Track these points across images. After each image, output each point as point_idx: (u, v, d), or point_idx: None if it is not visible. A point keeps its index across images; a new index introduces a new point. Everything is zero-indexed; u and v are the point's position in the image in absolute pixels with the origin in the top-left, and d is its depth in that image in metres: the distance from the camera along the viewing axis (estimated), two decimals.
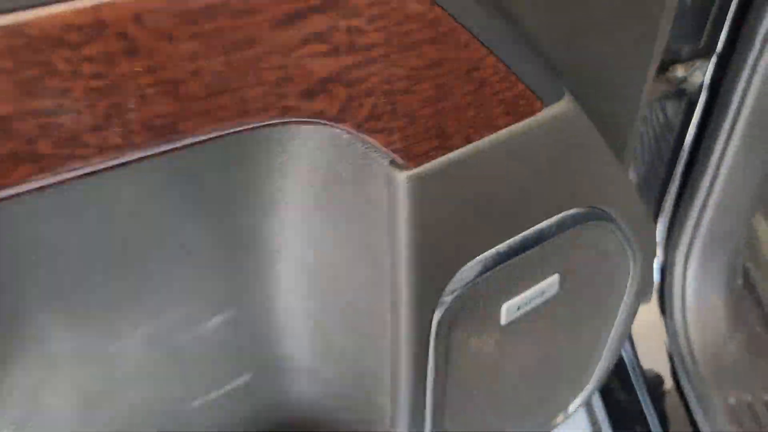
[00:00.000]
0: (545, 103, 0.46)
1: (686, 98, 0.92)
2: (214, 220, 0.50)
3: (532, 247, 0.54)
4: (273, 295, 0.59)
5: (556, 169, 0.50)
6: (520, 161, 0.47)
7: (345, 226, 0.50)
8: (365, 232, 0.48)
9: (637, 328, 1.06)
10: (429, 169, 0.42)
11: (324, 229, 0.52)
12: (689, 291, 1.01)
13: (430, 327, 0.52)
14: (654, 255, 0.68)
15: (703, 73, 0.88)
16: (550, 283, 0.59)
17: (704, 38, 0.87)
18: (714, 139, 0.90)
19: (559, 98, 0.47)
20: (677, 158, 0.95)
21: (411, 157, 0.41)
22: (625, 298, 0.70)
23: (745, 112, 0.85)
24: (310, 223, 0.52)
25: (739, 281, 1.05)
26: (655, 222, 1.02)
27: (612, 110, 0.68)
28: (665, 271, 1.03)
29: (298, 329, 0.62)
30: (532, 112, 0.46)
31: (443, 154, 0.43)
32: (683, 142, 0.94)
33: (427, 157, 0.42)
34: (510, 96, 0.44)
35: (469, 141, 0.44)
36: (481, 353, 0.59)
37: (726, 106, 0.87)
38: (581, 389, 0.80)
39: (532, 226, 0.53)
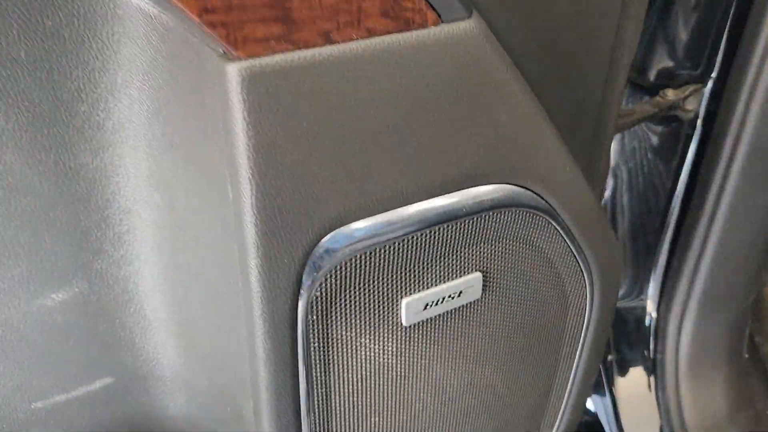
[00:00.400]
0: (443, 18, 0.37)
1: (682, 132, 0.81)
2: (30, 146, 0.40)
3: (436, 224, 0.43)
4: (129, 273, 0.49)
5: (460, 113, 0.40)
6: (407, 87, 0.37)
7: (190, 156, 0.40)
8: (210, 165, 0.38)
9: (624, 401, 0.91)
10: (271, 65, 0.33)
11: (173, 170, 0.42)
12: (683, 360, 0.86)
13: (295, 313, 0.41)
14: (618, 274, 0.55)
15: (699, 101, 0.78)
16: (470, 282, 0.47)
17: (702, 64, 0.77)
18: (710, 179, 0.78)
19: (464, 17, 0.37)
20: (671, 201, 0.84)
21: (242, 41, 0.32)
22: (584, 328, 0.57)
23: (743, 146, 0.75)
24: (157, 163, 0.42)
25: (745, 354, 0.90)
26: (648, 278, 0.89)
27: (576, 109, 0.59)
28: (657, 335, 0.88)
29: (160, 319, 0.51)
30: (423, 24, 0.36)
31: (291, 50, 0.33)
32: (677, 183, 0.83)
33: (266, 46, 0.32)
34: None
35: (329, 40, 0.34)
36: (380, 361, 0.47)
37: (722, 139, 0.76)
38: None
39: (435, 195, 0.42)
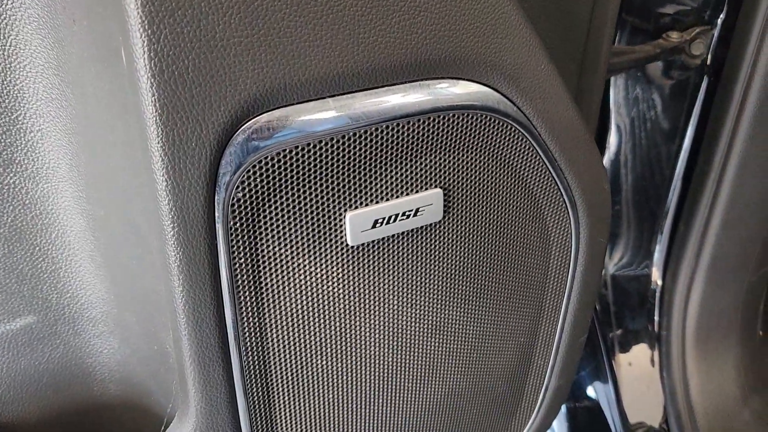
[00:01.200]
0: None
1: (689, 81, 0.74)
2: None
3: (383, 121, 0.36)
4: (47, 192, 0.43)
5: None
6: None
7: (91, 32, 0.34)
8: (108, 36, 0.33)
9: (626, 382, 0.83)
10: None
11: (78, 54, 0.36)
12: (690, 335, 0.79)
13: (212, 215, 0.35)
14: (608, 209, 0.49)
15: (707, 47, 0.71)
16: (428, 199, 0.41)
17: (709, 4, 0.71)
18: (718, 131, 0.72)
19: None
20: (677, 158, 0.77)
21: None
22: (571, 271, 0.51)
23: (754, 93, 0.68)
24: (63, 48, 0.37)
25: (759, 331, 0.82)
26: (653, 244, 0.82)
27: (561, 28, 0.53)
28: (663, 307, 0.81)
29: (85, 249, 0.45)
30: None
31: None
32: (684, 138, 0.76)
33: None
34: None
35: None
36: (324, 289, 0.41)
37: (731, 87, 0.69)
38: (521, 414, 0.58)
39: (380, 83, 0.36)
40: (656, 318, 0.81)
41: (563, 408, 0.90)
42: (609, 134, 0.79)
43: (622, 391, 0.83)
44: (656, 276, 0.80)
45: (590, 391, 0.88)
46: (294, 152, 0.35)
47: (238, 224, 0.36)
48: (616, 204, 0.81)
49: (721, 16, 0.70)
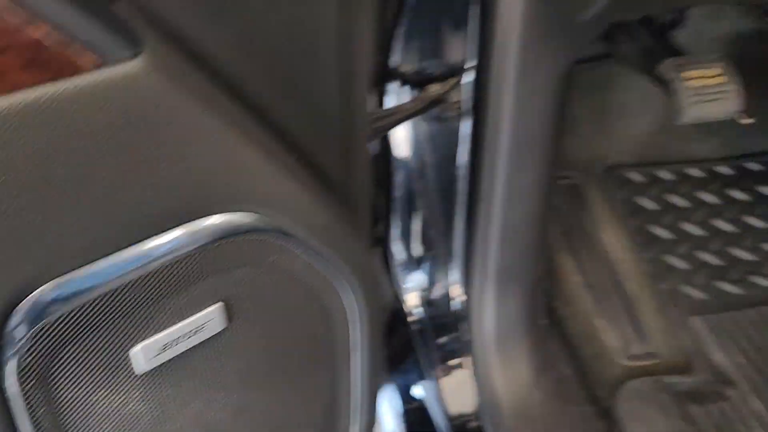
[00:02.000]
0: (105, 60, 0.36)
1: (457, 124, 0.85)
2: None
3: (155, 268, 0.41)
4: None
5: (142, 155, 0.38)
6: (66, 140, 0.35)
7: None
8: None
9: (446, 384, 0.95)
10: None
11: None
12: (490, 336, 0.91)
13: (3, 389, 0.38)
14: (375, 279, 0.57)
15: (462, 94, 0.82)
16: (210, 315, 0.46)
17: (457, 57, 0.82)
18: (483, 165, 0.83)
19: (131, 55, 0.36)
20: (457, 190, 0.88)
21: None
22: (355, 335, 0.58)
23: (503, 133, 0.79)
24: None
25: (544, 321, 0.96)
26: (449, 266, 0.93)
27: (318, 124, 0.58)
28: (466, 317, 0.93)
29: None
30: (78, 70, 0.35)
31: None
32: (460, 171, 0.87)
33: None
34: (24, 41, 0.33)
35: None
36: (127, 410, 0.45)
37: (484, 129, 0.80)
38: None
39: (145, 237, 0.41)
40: (464, 327, 0.93)
41: (400, 411, 1.02)
42: (395, 175, 0.89)
43: (443, 393, 0.95)
44: (457, 292, 0.91)
45: (419, 396, 0.99)
46: (73, 313, 0.39)
47: (30, 385, 0.39)
48: (414, 236, 0.91)
49: (471, 65, 0.80)
